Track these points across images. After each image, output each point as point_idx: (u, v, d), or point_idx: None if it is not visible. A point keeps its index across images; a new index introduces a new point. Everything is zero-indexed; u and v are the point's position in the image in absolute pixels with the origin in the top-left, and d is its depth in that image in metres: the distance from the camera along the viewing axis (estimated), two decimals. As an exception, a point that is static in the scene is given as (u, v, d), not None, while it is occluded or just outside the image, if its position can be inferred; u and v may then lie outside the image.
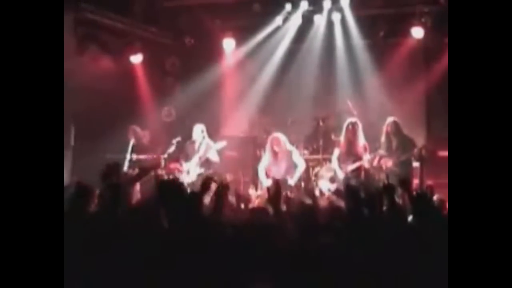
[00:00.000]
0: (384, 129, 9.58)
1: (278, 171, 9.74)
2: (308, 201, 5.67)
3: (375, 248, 3.85)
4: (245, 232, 4.17)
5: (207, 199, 5.13)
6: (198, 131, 10.40)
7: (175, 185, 4.79)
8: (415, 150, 9.49)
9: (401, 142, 9.49)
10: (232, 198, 6.72)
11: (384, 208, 5.01)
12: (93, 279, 3.84)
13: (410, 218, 4.82)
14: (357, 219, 4.13)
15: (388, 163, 9.46)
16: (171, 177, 9.82)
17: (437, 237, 4.11)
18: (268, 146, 9.92)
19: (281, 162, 9.79)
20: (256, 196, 9.98)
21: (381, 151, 9.54)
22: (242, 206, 7.33)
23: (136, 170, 9.33)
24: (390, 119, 9.59)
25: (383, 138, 9.61)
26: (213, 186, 5.24)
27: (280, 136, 9.86)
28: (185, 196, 4.60)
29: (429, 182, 10.38)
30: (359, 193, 4.61)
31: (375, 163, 9.58)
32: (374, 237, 3.98)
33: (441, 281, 3.45)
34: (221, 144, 10.34)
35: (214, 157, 10.28)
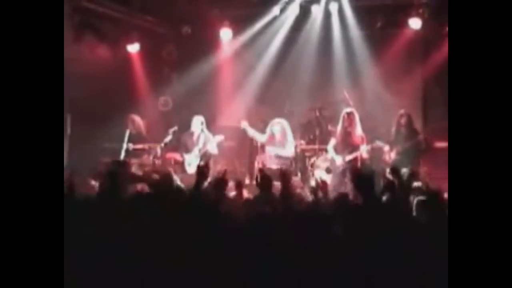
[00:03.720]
0: (396, 120, 9.62)
1: (271, 158, 9.85)
2: (310, 197, 5.65)
3: (375, 237, 3.86)
4: (244, 224, 4.18)
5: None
6: (198, 122, 10.40)
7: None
8: (419, 137, 9.55)
9: (409, 135, 9.55)
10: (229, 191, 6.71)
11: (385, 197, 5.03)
12: (91, 268, 3.84)
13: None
14: (362, 208, 4.13)
15: (392, 154, 9.52)
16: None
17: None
18: (268, 129, 10.01)
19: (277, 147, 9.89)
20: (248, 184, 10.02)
21: (379, 142, 9.57)
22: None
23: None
24: (402, 111, 9.64)
25: (393, 129, 9.66)
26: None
27: (283, 122, 9.98)
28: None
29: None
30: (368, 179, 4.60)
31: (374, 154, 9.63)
32: (374, 227, 3.99)
33: (439, 266, 3.46)
34: (219, 137, 10.37)
35: (213, 150, 10.31)
